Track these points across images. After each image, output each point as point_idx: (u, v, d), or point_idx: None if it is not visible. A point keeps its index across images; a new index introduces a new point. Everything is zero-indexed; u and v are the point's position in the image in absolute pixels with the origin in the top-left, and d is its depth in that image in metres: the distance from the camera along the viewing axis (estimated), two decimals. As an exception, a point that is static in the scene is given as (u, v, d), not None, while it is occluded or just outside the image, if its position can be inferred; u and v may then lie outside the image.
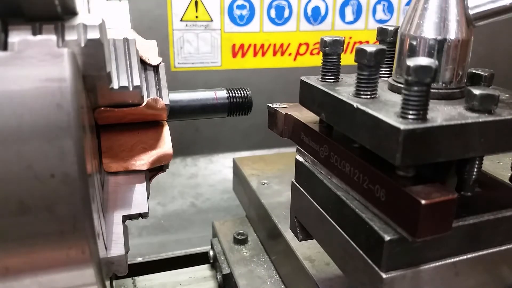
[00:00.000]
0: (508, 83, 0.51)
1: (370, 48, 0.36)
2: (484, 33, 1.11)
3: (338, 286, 0.51)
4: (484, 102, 0.35)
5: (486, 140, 0.35)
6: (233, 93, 0.59)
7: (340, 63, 0.44)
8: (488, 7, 0.38)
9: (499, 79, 0.46)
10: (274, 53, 1.03)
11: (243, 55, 1.02)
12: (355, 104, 0.37)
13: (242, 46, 1.01)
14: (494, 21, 0.39)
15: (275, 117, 0.51)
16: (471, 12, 0.39)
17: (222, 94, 0.58)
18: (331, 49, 0.43)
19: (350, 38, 1.06)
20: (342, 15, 1.04)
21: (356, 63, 0.38)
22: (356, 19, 1.05)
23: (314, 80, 0.44)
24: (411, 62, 0.32)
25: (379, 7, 1.05)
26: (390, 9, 1.06)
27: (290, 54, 1.05)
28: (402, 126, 0.32)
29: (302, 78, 0.45)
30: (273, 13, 1.00)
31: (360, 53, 0.37)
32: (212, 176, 1.07)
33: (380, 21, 1.06)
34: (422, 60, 0.32)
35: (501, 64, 1.17)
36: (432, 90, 0.34)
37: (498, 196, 0.41)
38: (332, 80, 0.44)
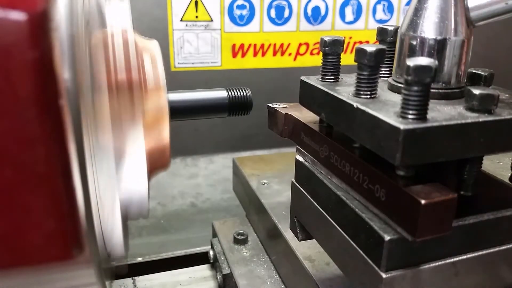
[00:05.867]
0: (508, 83, 0.50)
1: (370, 48, 0.36)
2: (484, 33, 1.11)
3: (338, 286, 0.51)
4: (484, 102, 0.35)
5: (486, 140, 0.35)
6: (233, 93, 0.59)
7: (340, 63, 0.44)
8: (488, 8, 0.38)
9: (499, 79, 0.46)
10: (274, 53, 1.03)
11: (243, 55, 1.01)
12: (355, 104, 0.37)
13: (242, 46, 1.01)
14: (494, 21, 0.39)
15: (275, 117, 0.51)
16: (471, 12, 0.39)
17: (222, 94, 0.58)
18: (331, 49, 0.43)
19: (350, 38, 1.05)
20: (342, 15, 1.03)
21: (356, 63, 0.38)
22: (356, 19, 1.04)
23: (314, 80, 0.44)
24: (411, 62, 0.32)
25: (379, 7, 1.05)
26: (390, 9, 1.06)
27: (290, 54, 1.04)
28: (402, 126, 0.32)
29: (302, 78, 0.45)
30: (273, 13, 1.00)
31: (360, 53, 0.37)
32: (212, 176, 1.06)
33: (380, 21, 1.06)
34: (422, 60, 0.32)
35: (501, 64, 1.17)
36: (432, 90, 0.34)
37: (498, 196, 0.41)
38: (332, 80, 0.44)
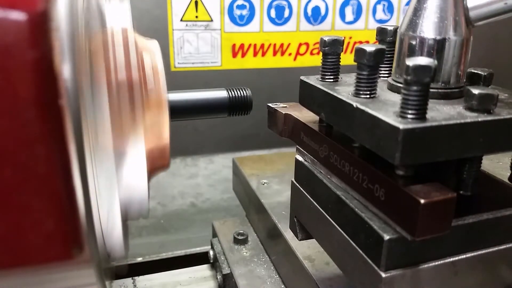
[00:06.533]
0: (508, 83, 0.51)
1: (370, 48, 0.36)
2: (484, 33, 1.11)
3: (337, 286, 0.51)
4: (483, 102, 0.35)
5: (485, 139, 0.35)
6: (233, 93, 0.59)
7: (340, 63, 0.44)
8: (487, 8, 0.38)
9: (499, 79, 0.46)
10: (274, 53, 1.03)
11: (243, 55, 1.02)
12: (354, 104, 0.37)
13: (242, 46, 1.01)
14: (493, 21, 0.39)
15: (274, 117, 0.51)
16: (470, 12, 0.39)
17: (222, 94, 0.58)
18: (330, 49, 0.43)
19: (350, 38, 1.06)
20: (342, 15, 1.04)
21: (356, 63, 0.38)
22: (356, 19, 1.04)
23: (313, 80, 0.44)
24: (410, 61, 0.32)
25: (379, 7, 1.05)
26: (390, 9, 1.06)
27: (290, 54, 1.04)
28: (401, 125, 0.32)
29: (302, 77, 0.45)
30: (273, 13, 1.00)
31: (360, 53, 0.37)
32: (212, 176, 1.07)
33: (380, 21, 1.06)
34: (421, 60, 0.32)
35: (501, 64, 1.17)
36: (431, 90, 0.34)
37: (497, 196, 0.41)
38: (332, 80, 0.44)
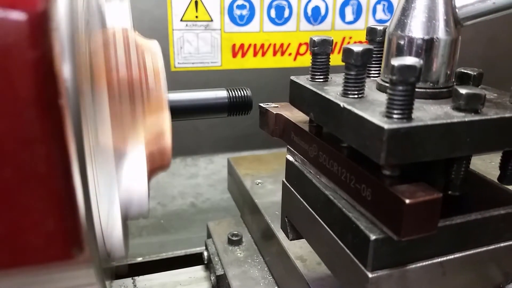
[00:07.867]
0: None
1: (357, 48, 0.36)
2: (484, 33, 1.10)
3: (329, 286, 0.51)
4: (470, 102, 0.35)
5: (473, 139, 0.35)
6: (233, 93, 0.59)
7: (329, 63, 0.44)
8: (475, 7, 0.38)
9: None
10: (274, 53, 1.03)
11: (243, 55, 1.02)
12: (341, 104, 0.37)
13: (242, 46, 1.01)
14: (482, 20, 0.39)
15: (266, 117, 0.51)
16: (458, 11, 0.39)
17: (222, 94, 0.58)
18: (320, 49, 0.43)
19: (350, 38, 1.05)
20: (342, 15, 1.03)
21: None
22: (356, 19, 1.04)
23: (303, 80, 0.44)
24: (396, 61, 0.32)
25: (379, 7, 1.05)
26: (390, 9, 1.05)
27: (290, 54, 1.04)
28: (386, 125, 0.32)
29: (292, 77, 0.45)
30: (273, 13, 1.00)
31: (347, 53, 0.37)
32: (212, 176, 1.07)
33: (380, 21, 1.06)
34: (407, 60, 0.32)
35: (501, 64, 1.16)
36: (419, 90, 0.34)
37: (486, 196, 0.41)
38: (321, 80, 0.44)
